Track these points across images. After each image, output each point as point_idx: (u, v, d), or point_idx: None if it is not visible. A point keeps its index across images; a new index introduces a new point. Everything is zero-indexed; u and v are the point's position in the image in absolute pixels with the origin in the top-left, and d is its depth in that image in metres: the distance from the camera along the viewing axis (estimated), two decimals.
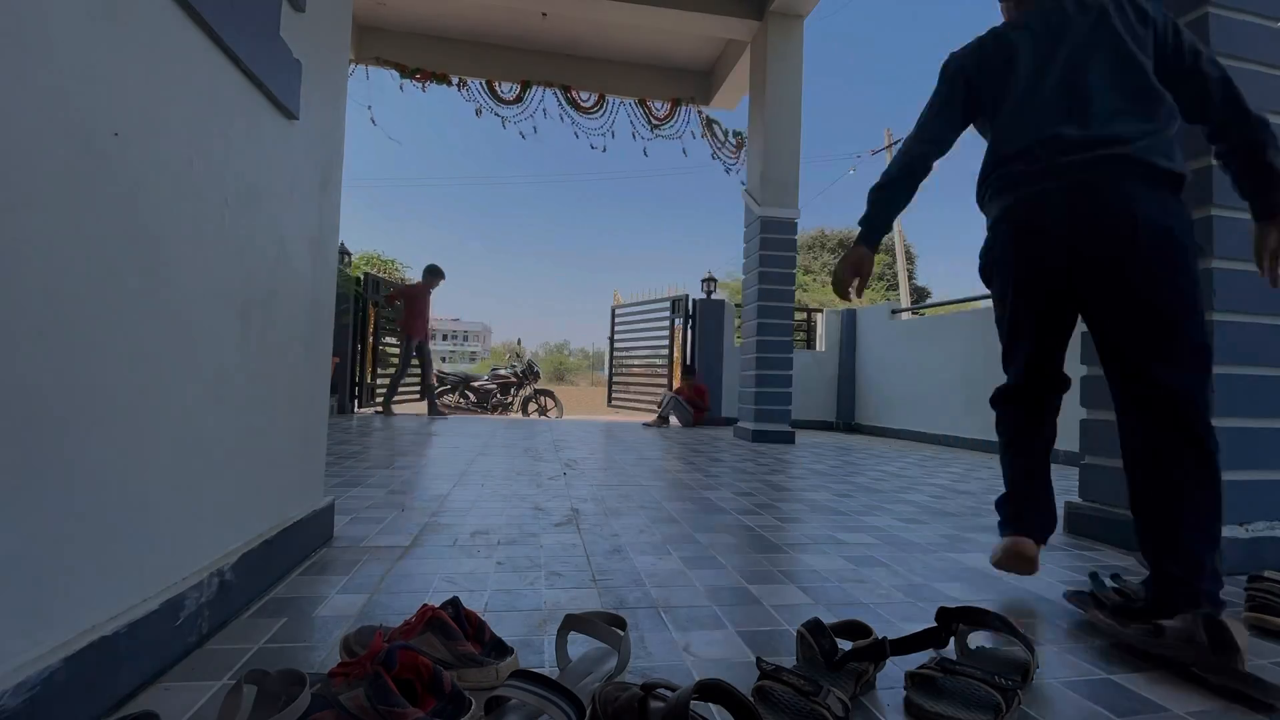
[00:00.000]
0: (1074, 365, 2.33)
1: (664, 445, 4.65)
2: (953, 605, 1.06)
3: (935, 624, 1.03)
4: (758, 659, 0.90)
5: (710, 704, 0.85)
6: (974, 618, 1.04)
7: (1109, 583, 1.33)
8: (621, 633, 0.99)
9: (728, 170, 6.86)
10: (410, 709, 0.76)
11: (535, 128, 6.44)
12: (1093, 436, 2.10)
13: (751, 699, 0.81)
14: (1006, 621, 1.03)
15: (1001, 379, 1.52)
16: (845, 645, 0.98)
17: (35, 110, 0.69)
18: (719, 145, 6.84)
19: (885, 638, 0.97)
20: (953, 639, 1.06)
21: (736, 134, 6.80)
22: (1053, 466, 1.49)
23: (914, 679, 0.92)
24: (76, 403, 0.76)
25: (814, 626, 0.98)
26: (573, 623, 1.00)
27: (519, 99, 6.38)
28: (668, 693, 0.74)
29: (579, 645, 1.04)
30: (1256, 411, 1.77)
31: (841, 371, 7.44)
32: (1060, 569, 1.68)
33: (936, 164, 1.50)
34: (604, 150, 6.68)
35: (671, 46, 6.50)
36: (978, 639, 1.11)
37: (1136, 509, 1.25)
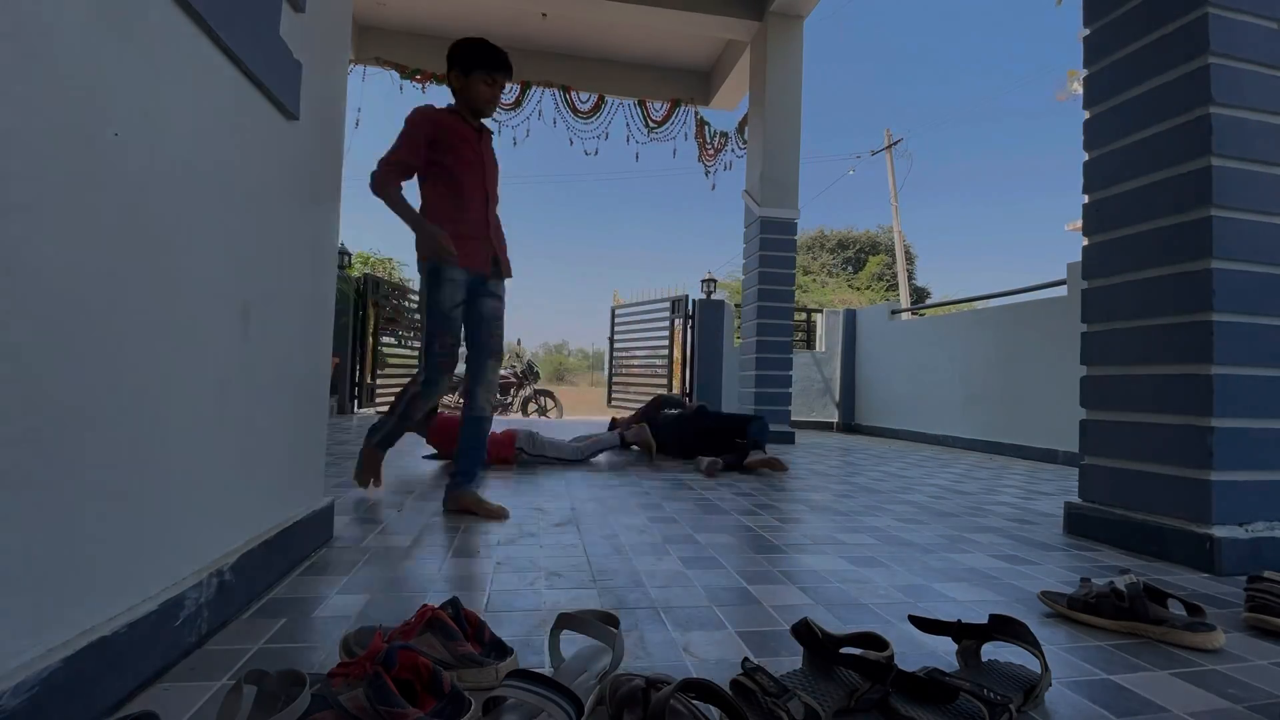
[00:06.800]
0: (1074, 365, 2.33)
1: None
2: (962, 613, 1.02)
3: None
4: (744, 660, 0.90)
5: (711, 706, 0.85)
6: (985, 632, 1.00)
7: (1097, 583, 1.33)
8: (615, 630, 0.99)
9: (706, 173, 6.81)
10: (410, 709, 0.76)
11: (529, 131, 6.43)
12: (1093, 436, 2.10)
13: (731, 694, 0.80)
14: (1018, 633, 0.98)
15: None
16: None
17: (36, 111, 0.69)
18: (703, 146, 6.80)
19: (893, 663, 0.91)
20: (957, 647, 1.03)
21: (722, 135, 6.76)
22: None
23: (897, 683, 0.89)
24: (76, 403, 0.76)
25: (804, 625, 0.95)
26: (566, 621, 0.99)
27: (517, 104, 6.36)
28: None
29: (574, 646, 1.04)
30: (1256, 411, 1.77)
31: (841, 372, 7.44)
32: (1060, 569, 1.68)
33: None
34: (596, 153, 6.68)
35: (671, 47, 6.50)
36: (990, 651, 1.06)
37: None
